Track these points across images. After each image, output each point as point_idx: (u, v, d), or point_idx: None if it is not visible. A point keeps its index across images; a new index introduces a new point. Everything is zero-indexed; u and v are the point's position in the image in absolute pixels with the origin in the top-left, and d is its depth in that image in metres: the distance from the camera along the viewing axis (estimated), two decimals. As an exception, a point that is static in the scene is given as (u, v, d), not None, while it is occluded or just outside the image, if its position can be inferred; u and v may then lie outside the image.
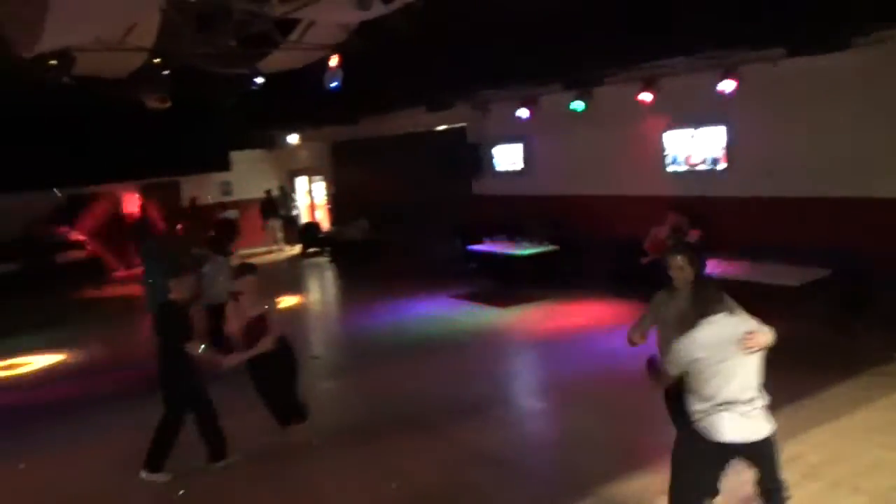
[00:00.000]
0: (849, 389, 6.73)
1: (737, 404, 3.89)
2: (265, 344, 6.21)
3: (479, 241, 12.93)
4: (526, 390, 8.17)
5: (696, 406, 3.97)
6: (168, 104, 12.23)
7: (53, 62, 8.73)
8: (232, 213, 19.52)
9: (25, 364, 10.56)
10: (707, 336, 3.89)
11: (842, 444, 5.65)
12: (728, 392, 3.89)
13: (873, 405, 6.34)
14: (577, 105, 11.57)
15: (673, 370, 4.01)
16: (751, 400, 3.95)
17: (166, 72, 11.62)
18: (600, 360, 8.20)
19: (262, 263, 18.36)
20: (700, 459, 4.04)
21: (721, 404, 3.89)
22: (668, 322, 4.49)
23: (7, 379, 9.94)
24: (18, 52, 7.38)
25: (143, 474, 6.07)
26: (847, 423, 6.03)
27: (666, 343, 4.26)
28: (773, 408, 6.40)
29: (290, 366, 6.58)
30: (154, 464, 6.06)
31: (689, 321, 4.02)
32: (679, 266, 4.48)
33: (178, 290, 6.28)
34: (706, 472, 4.09)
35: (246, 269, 6.69)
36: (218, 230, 14.21)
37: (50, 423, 7.91)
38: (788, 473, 5.22)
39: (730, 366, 3.89)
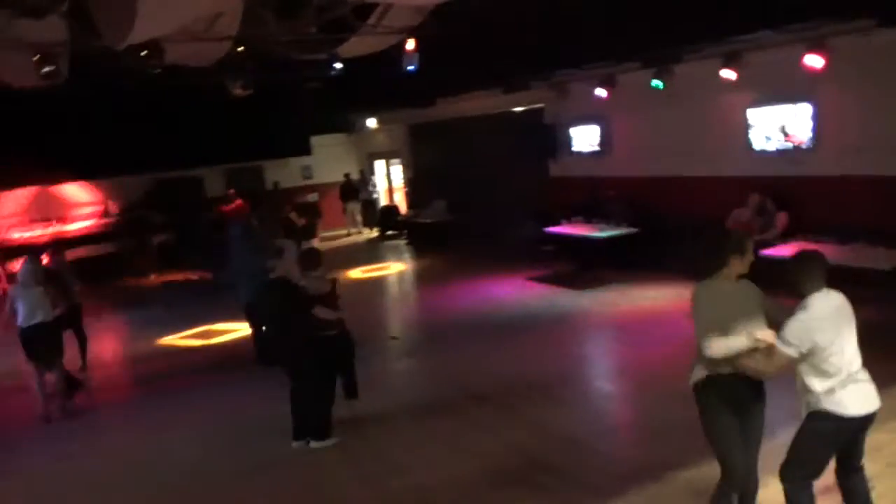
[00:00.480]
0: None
1: (856, 376, 3.92)
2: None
3: (557, 224, 12.85)
4: (601, 373, 8.14)
5: (820, 386, 3.89)
6: (251, 91, 12.61)
7: (144, 52, 9.13)
8: (312, 197, 20.04)
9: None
10: (824, 310, 3.87)
11: (933, 433, 5.43)
12: (848, 365, 3.90)
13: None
14: (657, 83, 11.34)
15: (793, 352, 3.82)
16: (861, 369, 3.98)
17: (250, 61, 12.02)
18: (678, 343, 8.07)
19: (342, 245, 18.91)
20: (823, 439, 3.98)
21: (846, 378, 3.88)
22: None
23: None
24: (110, 45, 7.75)
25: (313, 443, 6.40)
26: (940, 410, 5.78)
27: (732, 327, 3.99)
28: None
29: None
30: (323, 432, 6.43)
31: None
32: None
33: (282, 269, 6.58)
34: (825, 452, 4.04)
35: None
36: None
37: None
38: (873, 463, 5.09)
39: (844, 337, 3.91)
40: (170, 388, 8.65)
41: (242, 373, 8.61)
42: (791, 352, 3.80)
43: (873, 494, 4.15)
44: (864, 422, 4.00)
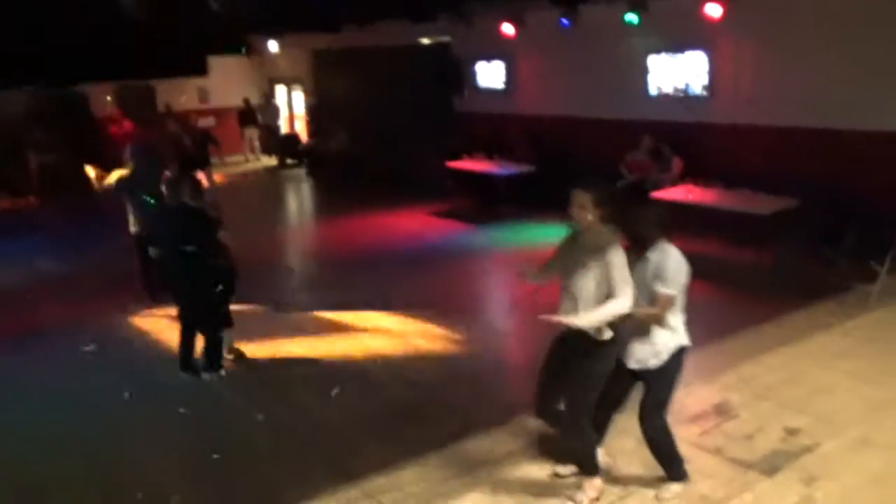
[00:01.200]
0: (808, 316, 6.97)
1: None
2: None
3: (459, 159, 12.90)
4: (494, 309, 8.34)
5: (679, 324, 4.11)
6: (143, 2, 11.92)
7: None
8: (208, 121, 19.30)
9: None
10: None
11: (795, 368, 5.89)
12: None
13: (829, 332, 6.59)
14: (632, 18, 10.66)
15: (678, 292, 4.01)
16: None
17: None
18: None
19: (239, 173, 18.38)
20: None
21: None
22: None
23: None
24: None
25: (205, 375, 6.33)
26: (803, 347, 6.27)
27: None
28: (734, 331, 6.72)
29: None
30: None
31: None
32: (580, 204, 3.96)
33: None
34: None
35: None
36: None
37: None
38: (742, 393, 5.51)
39: None
40: (54, 319, 8.30)
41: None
42: (677, 292, 4.00)
43: None
44: None
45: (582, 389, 4.08)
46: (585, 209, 3.93)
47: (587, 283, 3.93)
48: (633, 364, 4.12)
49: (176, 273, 6.32)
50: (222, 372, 6.36)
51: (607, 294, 3.88)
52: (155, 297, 8.00)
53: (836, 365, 5.91)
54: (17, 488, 4.87)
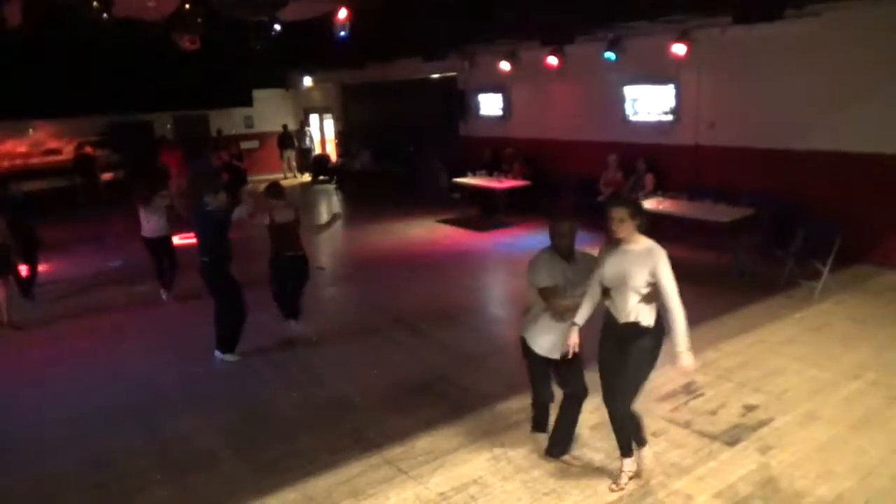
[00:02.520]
0: (764, 308, 6.89)
1: None
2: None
3: (464, 175, 12.85)
4: (495, 301, 8.29)
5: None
6: (197, 45, 11.89)
7: (95, 3, 8.45)
8: (252, 144, 19.33)
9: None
10: None
11: (751, 353, 5.81)
12: None
13: (782, 321, 6.50)
14: (610, 55, 10.46)
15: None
16: None
17: (197, 18, 11.30)
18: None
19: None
20: None
21: None
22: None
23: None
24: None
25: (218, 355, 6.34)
26: (757, 336, 6.19)
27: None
28: (699, 320, 6.59)
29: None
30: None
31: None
32: (620, 217, 3.72)
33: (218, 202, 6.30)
34: None
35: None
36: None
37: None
38: (706, 375, 5.43)
39: None
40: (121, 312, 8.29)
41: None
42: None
43: None
44: None
45: (637, 378, 3.86)
46: (625, 222, 3.72)
47: (640, 287, 3.72)
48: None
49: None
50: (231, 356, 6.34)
51: (649, 294, 3.73)
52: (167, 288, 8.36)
53: (786, 350, 5.83)
54: (86, 455, 4.84)
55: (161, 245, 8.30)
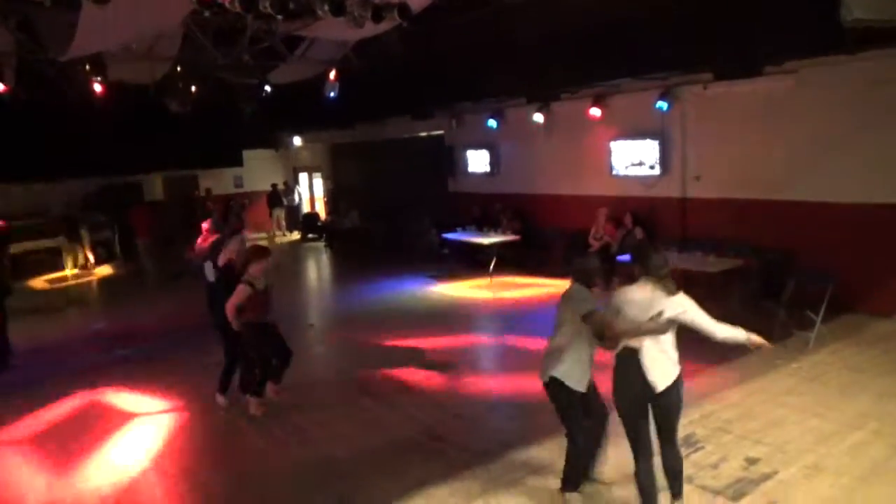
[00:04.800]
0: (759, 359, 6.74)
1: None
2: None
3: (453, 231, 12.88)
4: (487, 355, 8.15)
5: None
6: (188, 108, 12.05)
7: (87, 67, 8.57)
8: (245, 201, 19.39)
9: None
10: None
11: (749, 404, 5.70)
12: None
13: (777, 372, 6.42)
14: (595, 111, 10.75)
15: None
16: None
17: (188, 81, 11.48)
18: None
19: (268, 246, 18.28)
20: None
21: None
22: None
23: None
24: (53, 56, 7.21)
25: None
26: (755, 386, 6.10)
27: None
28: (695, 372, 6.53)
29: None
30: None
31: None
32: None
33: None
34: None
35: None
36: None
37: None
38: (705, 427, 5.31)
39: None
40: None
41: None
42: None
43: None
44: None
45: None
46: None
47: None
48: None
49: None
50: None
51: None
52: None
53: (785, 401, 5.73)
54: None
55: None
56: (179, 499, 4.80)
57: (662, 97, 9.67)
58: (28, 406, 6.90)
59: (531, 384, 6.45)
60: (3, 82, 8.69)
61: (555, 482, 4.38)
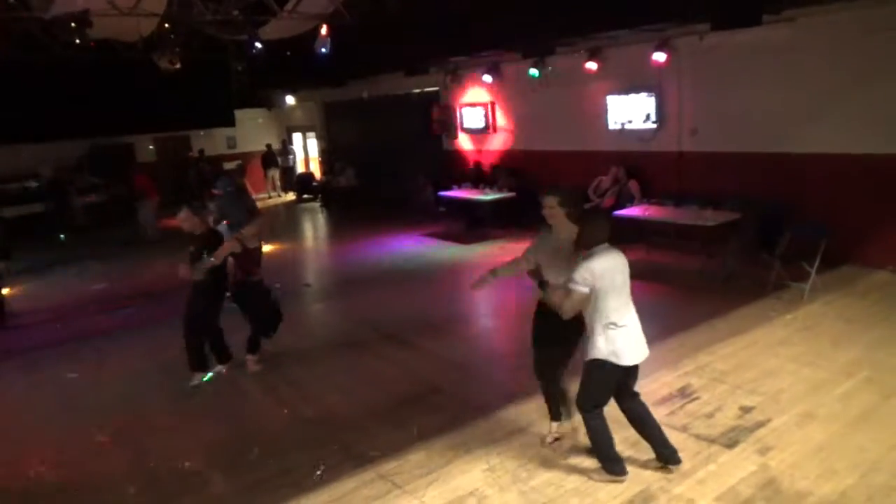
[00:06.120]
0: (754, 311, 6.87)
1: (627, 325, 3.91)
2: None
3: (449, 189, 12.81)
4: (484, 312, 8.19)
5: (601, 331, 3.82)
6: (178, 66, 11.82)
7: (73, 24, 8.36)
8: (236, 164, 19.18)
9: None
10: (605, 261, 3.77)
11: (744, 355, 5.77)
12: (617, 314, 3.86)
13: (771, 324, 6.48)
14: (534, 72, 11.40)
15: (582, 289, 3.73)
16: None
17: (176, 38, 11.24)
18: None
19: (263, 207, 18.21)
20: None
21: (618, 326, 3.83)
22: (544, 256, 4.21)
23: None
24: (38, 14, 7.03)
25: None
26: (749, 338, 6.16)
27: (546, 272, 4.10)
28: (689, 324, 6.60)
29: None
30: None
31: (564, 254, 3.96)
32: (550, 206, 4.04)
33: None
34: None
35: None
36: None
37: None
38: (700, 378, 5.38)
39: (617, 289, 3.80)
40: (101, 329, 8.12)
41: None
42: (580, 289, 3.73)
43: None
44: (634, 369, 3.94)
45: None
46: (555, 209, 4.03)
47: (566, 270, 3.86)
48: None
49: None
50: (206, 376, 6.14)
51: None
52: None
53: (779, 352, 5.79)
54: (68, 481, 4.66)
55: None
56: (184, 453, 4.86)
57: (658, 49, 9.52)
58: (26, 365, 6.97)
59: (524, 338, 6.54)
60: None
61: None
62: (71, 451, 5.09)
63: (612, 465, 4.01)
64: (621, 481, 3.98)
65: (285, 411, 5.46)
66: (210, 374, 6.16)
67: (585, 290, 3.73)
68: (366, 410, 5.34)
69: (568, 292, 3.77)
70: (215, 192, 8.26)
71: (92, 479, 4.64)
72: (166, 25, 10.23)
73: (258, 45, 11.63)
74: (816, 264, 7.12)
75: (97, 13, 8.40)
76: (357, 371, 6.21)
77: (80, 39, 8.67)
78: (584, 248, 3.85)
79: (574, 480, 4.08)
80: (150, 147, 18.43)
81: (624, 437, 4.21)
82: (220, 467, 4.66)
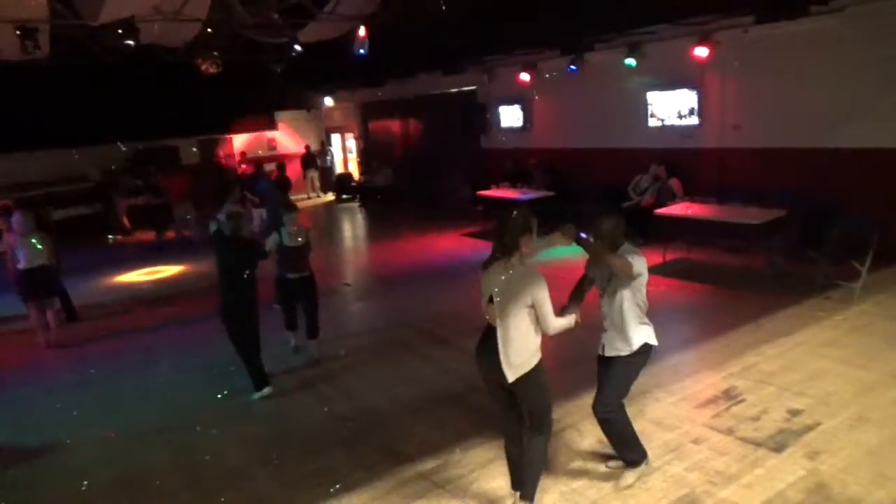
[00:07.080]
0: (800, 311, 6.68)
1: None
2: None
3: (487, 188, 12.79)
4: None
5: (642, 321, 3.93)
6: (219, 69, 12.07)
7: (120, 30, 8.60)
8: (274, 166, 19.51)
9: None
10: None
11: (791, 356, 5.61)
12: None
13: (820, 324, 6.29)
14: (631, 61, 10.37)
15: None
16: None
17: (218, 42, 11.47)
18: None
19: (303, 208, 18.47)
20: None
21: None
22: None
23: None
24: (86, 21, 7.24)
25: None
26: (797, 338, 5.99)
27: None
28: (736, 325, 6.46)
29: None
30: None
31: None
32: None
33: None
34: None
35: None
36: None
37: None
38: (746, 380, 5.25)
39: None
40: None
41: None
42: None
43: None
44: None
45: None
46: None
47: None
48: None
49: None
50: (267, 390, 5.96)
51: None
52: None
53: (827, 353, 5.62)
54: (114, 475, 4.79)
55: None
56: (225, 450, 4.95)
57: (700, 43, 9.32)
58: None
59: (568, 337, 6.45)
60: (38, 48, 8.77)
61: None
62: (114, 444, 5.22)
63: (640, 456, 4.01)
64: (646, 466, 4.02)
65: (325, 409, 5.52)
66: (269, 388, 6.14)
67: (642, 275, 3.79)
68: (405, 409, 5.37)
69: (626, 261, 3.73)
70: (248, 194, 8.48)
71: (135, 475, 4.75)
72: (208, 30, 10.43)
73: (297, 47, 11.82)
74: (868, 262, 6.89)
75: (143, 19, 8.63)
76: (396, 369, 6.24)
77: (133, 41, 8.90)
78: (610, 248, 3.86)
79: (614, 482, 4.03)
80: (194, 150, 18.81)
81: (663, 442, 4.15)
82: (262, 464, 4.73)
